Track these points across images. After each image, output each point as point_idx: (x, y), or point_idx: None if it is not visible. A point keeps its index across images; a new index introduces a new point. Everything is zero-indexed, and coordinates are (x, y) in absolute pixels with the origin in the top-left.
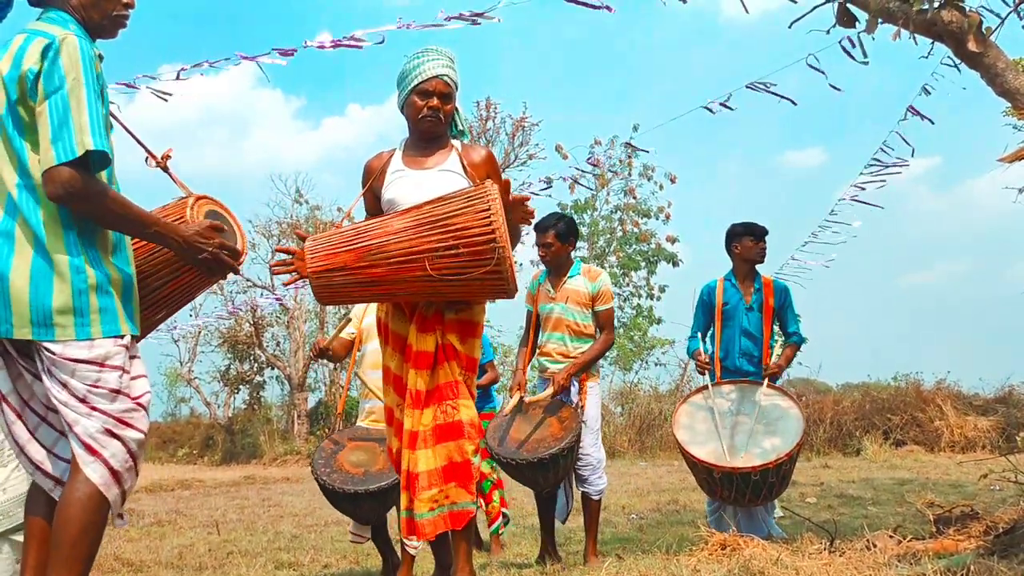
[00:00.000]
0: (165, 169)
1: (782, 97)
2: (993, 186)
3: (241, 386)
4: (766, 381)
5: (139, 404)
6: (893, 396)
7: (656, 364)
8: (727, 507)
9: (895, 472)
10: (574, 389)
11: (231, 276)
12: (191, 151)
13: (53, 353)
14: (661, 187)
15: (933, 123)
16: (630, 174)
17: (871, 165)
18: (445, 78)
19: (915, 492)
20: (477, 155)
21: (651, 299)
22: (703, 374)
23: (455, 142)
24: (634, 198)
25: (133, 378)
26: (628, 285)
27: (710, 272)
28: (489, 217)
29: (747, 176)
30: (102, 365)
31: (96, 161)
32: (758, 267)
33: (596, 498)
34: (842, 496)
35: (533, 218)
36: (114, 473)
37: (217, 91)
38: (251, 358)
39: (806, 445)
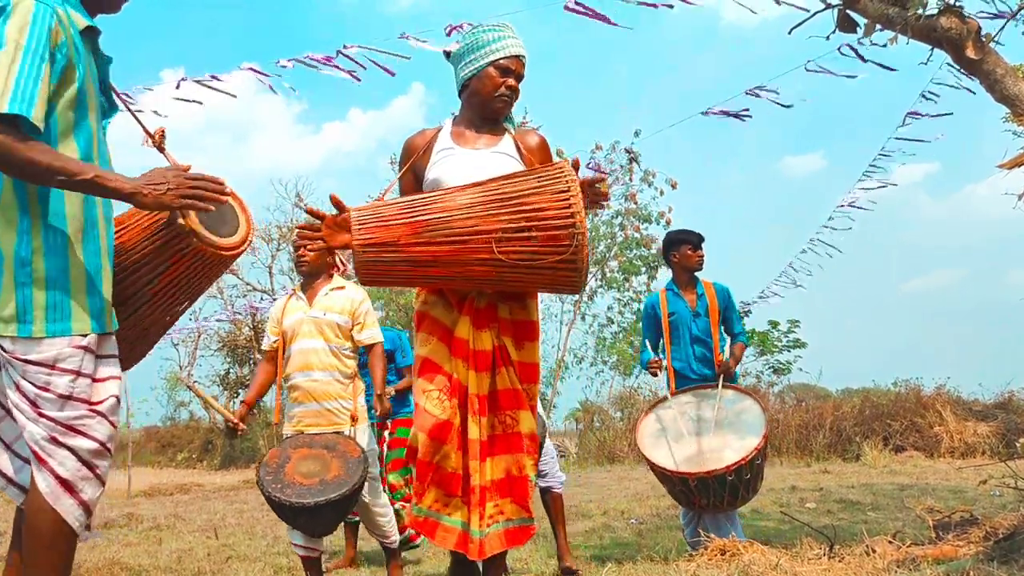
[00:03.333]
0: (161, 149)
1: (782, 104)
2: (992, 192)
3: (240, 390)
4: (721, 381)
5: (94, 411)
6: (893, 402)
7: (646, 372)
8: (703, 518)
9: (895, 477)
10: None
11: (231, 279)
12: (192, 155)
13: (3, 349)
14: (662, 192)
15: (931, 116)
16: (631, 179)
17: (868, 172)
18: (524, 59)
19: (915, 498)
20: (532, 140)
21: None
22: (655, 375)
23: (508, 125)
24: (635, 203)
25: (98, 380)
26: (628, 290)
27: (710, 276)
28: (569, 199)
29: (747, 181)
30: (52, 368)
31: (28, 129)
32: (698, 273)
33: (559, 490)
34: (842, 501)
35: (608, 200)
36: (63, 482)
37: (219, 97)
38: (251, 362)
39: (806, 450)
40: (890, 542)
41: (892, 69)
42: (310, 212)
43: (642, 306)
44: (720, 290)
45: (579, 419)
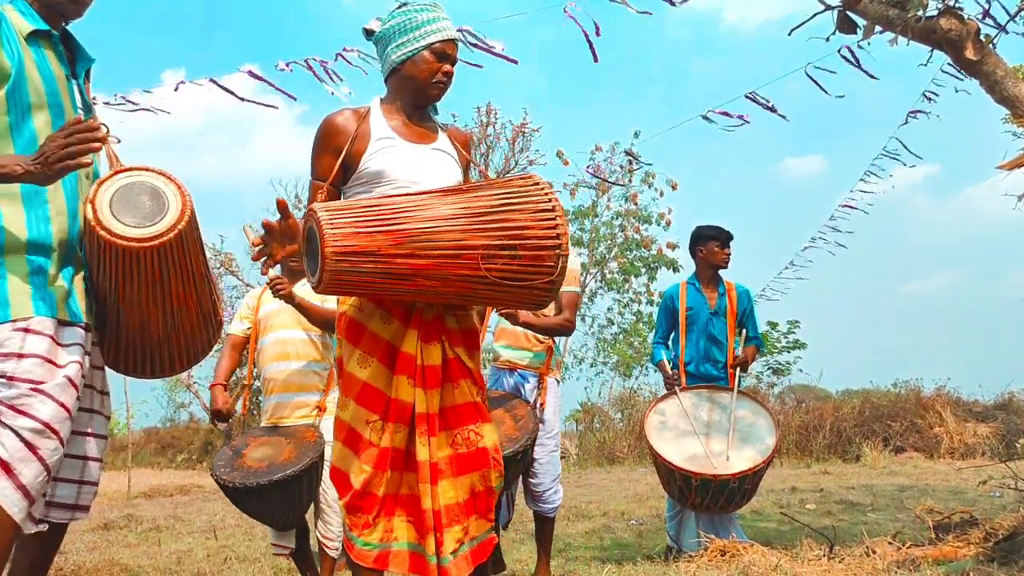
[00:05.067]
0: (104, 141)
1: (777, 113)
2: (992, 193)
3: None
4: (736, 384)
5: (37, 389)
6: (893, 402)
7: (656, 370)
8: (688, 513)
9: (895, 478)
10: (530, 385)
11: (232, 280)
12: (192, 156)
13: None
14: (662, 193)
15: (940, 118)
16: (631, 181)
17: (871, 173)
18: (458, 44)
19: (915, 498)
20: (463, 137)
21: (651, 305)
22: (670, 388)
23: (435, 117)
24: (635, 204)
25: (59, 366)
26: (628, 291)
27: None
28: (555, 221)
29: (747, 183)
30: None
31: None
32: (722, 271)
33: (551, 516)
34: (842, 502)
35: None
36: (1, 464)
37: (218, 98)
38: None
39: (806, 451)
40: (890, 543)
41: (875, 77)
42: (266, 225)
43: (662, 295)
44: (741, 292)
45: (579, 420)
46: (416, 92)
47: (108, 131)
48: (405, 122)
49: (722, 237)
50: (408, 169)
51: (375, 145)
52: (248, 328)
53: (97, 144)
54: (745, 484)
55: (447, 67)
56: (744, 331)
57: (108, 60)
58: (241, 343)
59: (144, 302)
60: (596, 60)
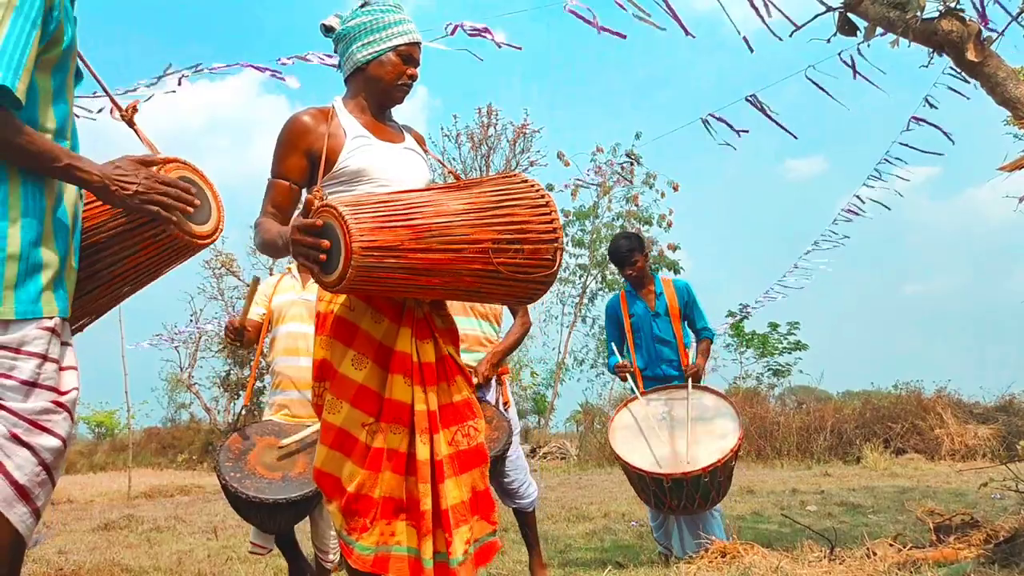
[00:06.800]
0: (131, 124)
1: (774, 120)
2: (993, 195)
3: (241, 391)
4: (690, 384)
5: (60, 403)
6: (894, 404)
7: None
8: (672, 519)
9: (895, 480)
10: (492, 390)
11: (232, 281)
12: (194, 156)
13: None
14: (663, 195)
15: (948, 134)
16: (632, 182)
17: (873, 176)
18: (421, 46)
19: (915, 500)
20: (422, 138)
21: None
22: (625, 380)
23: (397, 119)
24: (636, 205)
25: (62, 369)
26: None
27: (711, 279)
28: (551, 215)
29: (748, 184)
30: (17, 351)
31: (9, 103)
32: (658, 272)
33: (531, 510)
34: (843, 504)
35: None
36: (19, 488)
37: (221, 98)
38: (251, 363)
39: (807, 452)
40: (891, 545)
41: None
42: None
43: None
44: (679, 287)
45: (579, 421)
46: (381, 93)
47: (136, 110)
48: (373, 122)
49: (617, 260)
50: (386, 168)
51: (352, 143)
52: (262, 314)
53: (190, 209)
54: (718, 477)
55: (412, 70)
56: (692, 325)
57: (109, 60)
58: (257, 326)
59: (127, 287)
60: (623, 36)
